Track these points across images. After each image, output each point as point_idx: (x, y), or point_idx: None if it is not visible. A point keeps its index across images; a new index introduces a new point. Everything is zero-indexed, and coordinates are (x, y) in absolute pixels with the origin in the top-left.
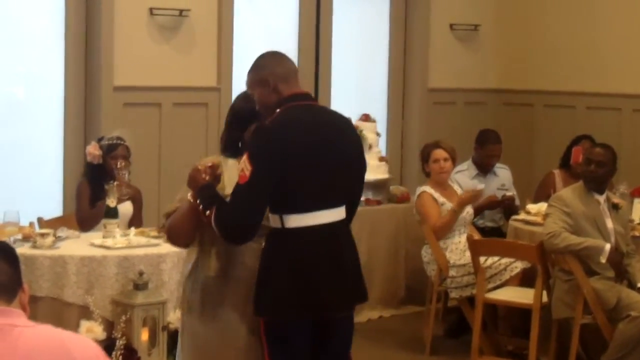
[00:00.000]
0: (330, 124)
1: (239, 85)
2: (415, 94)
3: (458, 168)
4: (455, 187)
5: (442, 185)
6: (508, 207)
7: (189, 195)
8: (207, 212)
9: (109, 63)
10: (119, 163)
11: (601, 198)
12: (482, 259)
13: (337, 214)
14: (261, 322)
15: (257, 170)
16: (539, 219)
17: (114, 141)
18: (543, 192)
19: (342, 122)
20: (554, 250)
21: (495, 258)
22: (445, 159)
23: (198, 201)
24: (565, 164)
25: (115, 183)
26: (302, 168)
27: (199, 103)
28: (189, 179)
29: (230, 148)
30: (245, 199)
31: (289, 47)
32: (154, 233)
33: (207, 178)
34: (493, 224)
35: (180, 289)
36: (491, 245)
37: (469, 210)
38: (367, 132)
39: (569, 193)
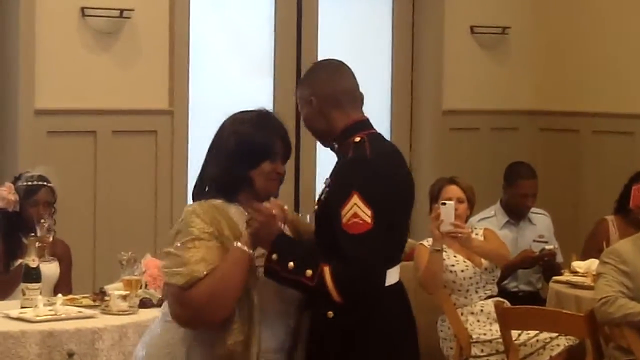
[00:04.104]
0: (404, 158)
1: (196, 107)
2: (426, 118)
3: (482, 215)
4: (480, 239)
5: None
6: (548, 265)
7: (243, 247)
8: (310, 272)
9: (28, 80)
10: (40, 211)
11: None
12: (514, 333)
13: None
14: None
15: (379, 213)
16: (588, 281)
17: (34, 182)
18: (593, 245)
19: None
20: (608, 321)
21: (532, 332)
22: (460, 200)
23: (277, 256)
24: (622, 208)
25: (36, 237)
26: (403, 212)
27: (146, 130)
28: (263, 227)
29: (231, 190)
30: (375, 251)
31: (263, 59)
32: (88, 301)
33: (283, 226)
34: (529, 288)
35: None
36: (526, 316)
37: (486, 264)
38: None
39: (628, 246)
